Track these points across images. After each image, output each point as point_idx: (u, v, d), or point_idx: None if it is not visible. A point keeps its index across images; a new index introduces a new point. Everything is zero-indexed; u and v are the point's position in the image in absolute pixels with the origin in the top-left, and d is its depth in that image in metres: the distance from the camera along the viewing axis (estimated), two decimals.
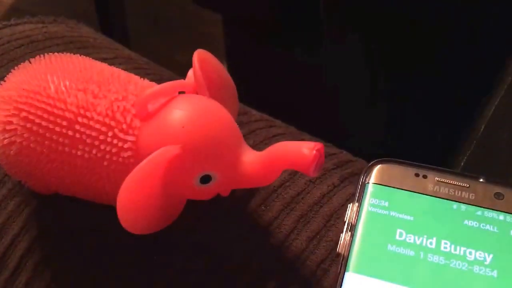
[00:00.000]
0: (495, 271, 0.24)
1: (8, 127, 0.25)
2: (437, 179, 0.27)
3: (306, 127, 0.36)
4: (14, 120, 0.25)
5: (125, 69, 0.28)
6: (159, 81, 0.36)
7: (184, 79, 0.28)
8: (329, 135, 0.36)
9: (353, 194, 0.28)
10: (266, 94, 0.66)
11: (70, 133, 0.24)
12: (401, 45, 0.50)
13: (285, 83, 0.65)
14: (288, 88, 0.65)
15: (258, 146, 0.32)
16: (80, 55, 0.27)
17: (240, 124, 0.26)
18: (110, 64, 0.28)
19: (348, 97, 0.58)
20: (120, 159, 0.24)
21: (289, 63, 0.64)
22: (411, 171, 0.27)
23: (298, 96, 0.65)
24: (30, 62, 0.27)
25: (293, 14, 0.60)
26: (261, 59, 0.66)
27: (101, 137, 0.24)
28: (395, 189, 0.27)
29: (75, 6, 1.08)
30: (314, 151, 0.23)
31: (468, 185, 0.27)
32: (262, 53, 0.66)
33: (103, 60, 0.36)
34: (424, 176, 0.27)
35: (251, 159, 0.25)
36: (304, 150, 0.23)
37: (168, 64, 0.41)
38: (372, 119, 0.57)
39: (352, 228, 0.26)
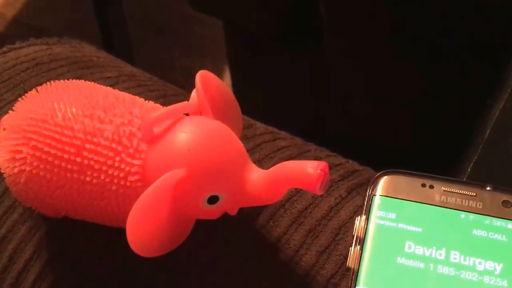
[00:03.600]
0: (505, 281, 0.24)
1: (17, 156, 0.26)
2: (444, 188, 0.27)
3: (309, 133, 0.36)
4: (24, 149, 0.25)
5: (129, 87, 0.29)
6: (163, 97, 0.36)
7: (187, 86, 0.28)
8: (334, 144, 0.36)
9: (361, 207, 0.28)
10: (268, 98, 0.66)
11: (78, 159, 0.25)
12: (402, 51, 0.50)
13: (288, 87, 0.65)
14: (290, 91, 0.65)
15: (263, 160, 0.32)
16: (85, 80, 0.28)
17: (245, 138, 0.27)
18: (114, 83, 0.28)
19: (352, 103, 0.58)
20: (128, 183, 0.25)
21: (290, 64, 0.64)
22: (417, 181, 0.27)
23: (301, 98, 0.65)
24: (37, 91, 0.27)
25: (293, 18, 0.60)
26: (262, 63, 0.66)
27: (109, 162, 0.25)
28: (402, 200, 0.27)
29: (75, 17, 1.09)
30: (319, 170, 0.23)
31: (475, 194, 0.27)
32: (263, 57, 0.66)
33: (107, 78, 0.36)
34: (431, 186, 0.27)
35: (257, 179, 0.25)
36: (309, 170, 0.23)
37: (171, 69, 0.42)
38: (376, 126, 0.57)
39: (361, 242, 0.26)
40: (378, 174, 0.28)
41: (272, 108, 0.65)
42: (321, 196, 0.30)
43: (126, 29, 0.96)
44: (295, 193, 0.30)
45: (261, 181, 0.25)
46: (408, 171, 0.28)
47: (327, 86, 0.59)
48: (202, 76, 0.26)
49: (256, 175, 0.25)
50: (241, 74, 0.70)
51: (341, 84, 0.58)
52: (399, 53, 0.50)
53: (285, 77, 0.64)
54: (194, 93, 0.27)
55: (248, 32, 0.65)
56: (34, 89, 0.27)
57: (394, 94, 0.53)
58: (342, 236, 0.28)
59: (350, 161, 0.34)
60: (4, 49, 0.37)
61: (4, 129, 0.26)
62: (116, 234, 0.26)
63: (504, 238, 0.26)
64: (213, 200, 0.25)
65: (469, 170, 0.32)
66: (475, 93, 0.39)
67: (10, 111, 0.27)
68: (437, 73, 0.49)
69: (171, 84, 0.40)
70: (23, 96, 0.27)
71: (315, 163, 0.23)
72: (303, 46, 0.60)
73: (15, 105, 0.27)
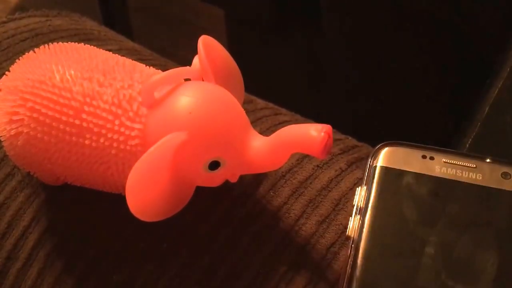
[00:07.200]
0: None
1: (14, 118, 0.25)
2: (444, 160, 0.27)
3: (310, 117, 0.36)
4: (21, 110, 0.25)
5: None
6: (164, 70, 0.36)
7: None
8: (334, 123, 0.36)
9: (361, 178, 0.28)
10: (269, 86, 0.66)
11: (77, 122, 0.24)
12: (400, 25, 0.50)
13: (288, 74, 0.65)
14: (291, 79, 0.65)
15: (264, 133, 0.32)
16: (85, 44, 0.27)
17: (246, 112, 0.26)
18: None
19: (349, 82, 0.58)
20: (128, 147, 0.24)
21: (291, 55, 0.64)
22: (418, 153, 0.27)
23: (301, 86, 0.65)
24: (35, 52, 0.27)
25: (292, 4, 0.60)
26: (263, 51, 0.66)
27: (108, 125, 0.24)
28: (403, 171, 0.27)
29: (79, 4, 1.08)
30: (323, 133, 0.23)
31: (475, 166, 0.27)
32: (264, 46, 0.66)
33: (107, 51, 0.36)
34: (431, 158, 0.27)
35: (259, 144, 0.25)
36: (312, 132, 0.23)
37: (171, 59, 0.41)
38: (375, 104, 0.57)
39: (361, 211, 0.26)
40: (379, 145, 0.28)
41: (272, 92, 0.65)
42: (321, 168, 0.30)
43: (128, 17, 0.96)
44: (296, 165, 0.30)
45: (263, 147, 0.25)
46: (408, 142, 0.28)
47: (324, 75, 0.59)
48: (204, 42, 0.26)
49: (258, 141, 0.25)
50: (242, 64, 0.70)
51: (338, 71, 0.58)
52: (397, 31, 0.50)
53: (285, 67, 0.64)
54: (196, 59, 0.27)
55: (248, 20, 0.65)
56: (31, 50, 0.27)
57: (391, 73, 0.53)
58: (342, 207, 0.28)
59: (349, 137, 0.34)
60: (4, 19, 0.37)
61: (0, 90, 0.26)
62: (116, 201, 0.26)
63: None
64: (214, 165, 0.25)
65: (467, 146, 0.32)
66: (474, 72, 0.39)
67: (7, 72, 0.26)
68: (437, 52, 0.49)
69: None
70: (20, 58, 0.27)
71: (318, 126, 0.23)
72: (302, 38, 0.61)
73: (12, 66, 0.27)
